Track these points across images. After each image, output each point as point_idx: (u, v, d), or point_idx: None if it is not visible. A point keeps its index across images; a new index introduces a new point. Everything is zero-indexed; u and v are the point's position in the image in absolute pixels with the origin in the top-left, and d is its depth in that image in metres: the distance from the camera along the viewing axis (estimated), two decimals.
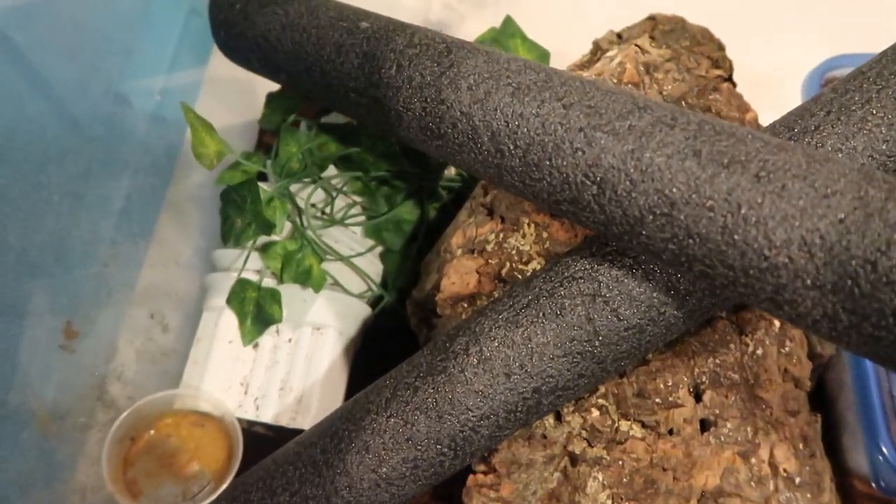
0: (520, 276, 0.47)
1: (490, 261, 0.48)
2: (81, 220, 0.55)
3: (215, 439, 0.51)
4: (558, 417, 0.47)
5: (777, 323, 0.48)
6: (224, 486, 0.48)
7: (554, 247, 0.46)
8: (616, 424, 0.45)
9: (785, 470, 0.45)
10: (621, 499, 0.44)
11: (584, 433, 0.46)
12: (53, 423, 0.43)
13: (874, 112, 0.35)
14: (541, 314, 0.39)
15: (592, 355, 0.39)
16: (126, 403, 0.49)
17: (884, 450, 0.48)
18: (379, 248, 0.58)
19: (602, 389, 0.46)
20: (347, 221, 0.56)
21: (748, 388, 0.47)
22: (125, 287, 0.54)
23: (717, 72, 0.54)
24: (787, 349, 0.48)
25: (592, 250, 0.40)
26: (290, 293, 0.54)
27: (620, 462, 0.45)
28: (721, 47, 0.56)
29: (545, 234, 0.46)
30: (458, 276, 0.48)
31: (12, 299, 0.40)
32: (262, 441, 0.54)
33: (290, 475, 0.43)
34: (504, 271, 0.47)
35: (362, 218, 0.57)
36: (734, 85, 0.56)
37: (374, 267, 0.58)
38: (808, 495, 0.46)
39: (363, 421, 0.42)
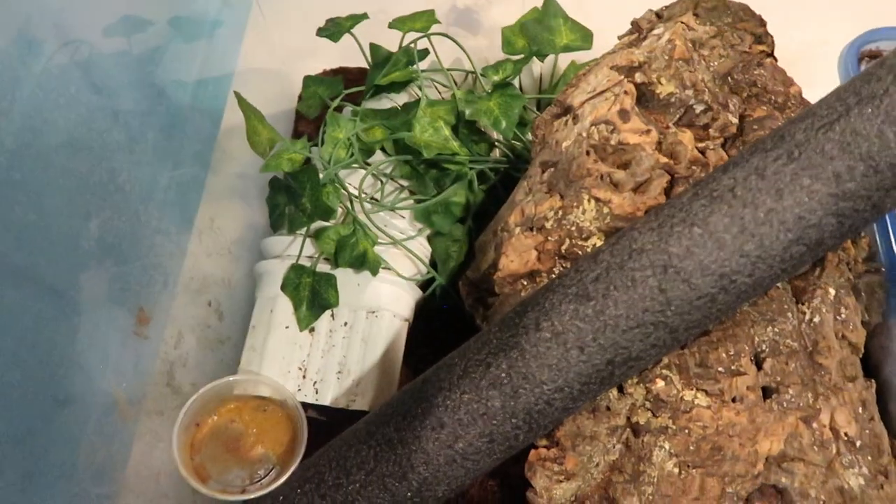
0: (580, 253, 0.47)
1: (549, 238, 0.48)
2: (126, 211, 0.56)
3: (278, 423, 0.52)
4: (621, 389, 0.48)
5: (832, 291, 0.49)
6: (292, 469, 0.49)
7: (615, 222, 0.46)
8: (680, 394, 0.46)
9: (846, 434, 0.46)
10: (688, 466, 0.45)
11: (647, 404, 0.47)
12: (132, 408, 0.44)
13: None
14: (611, 287, 0.40)
15: (665, 325, 0.40)
16: (190, 390, 0.50)
17: None
18: (427, 231, 0.59)
19: (665, 360, 0.46)
20: (398, 206, 0.56)
21: (807, 355, 0.47)
22: (179, 276, 0.54)
23: (761, 47, 0.55)
24: (843, 316, 0.49)
25: (658, 223, 0.40)
26: (344, 278, 0.55)
27: (687, 430, 0.45)
28: (762, 23, 0.56)
29: (606, 210, 0.46)
30: (516, 254, 0.49)
31: (86, 289, 0.41)
32: (316, 425, 0.55)
33: (365, 454, 0.44)
34: (564, 248, 0.48)
35: (411, 202, 0.57)
36: (776, 60, 0.57)
37: (423, 250, 0.59)
38: (869, 458, 0.46)
39: (436, 398, 0.43)
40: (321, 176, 0.54)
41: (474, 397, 0.42)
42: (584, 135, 0.47)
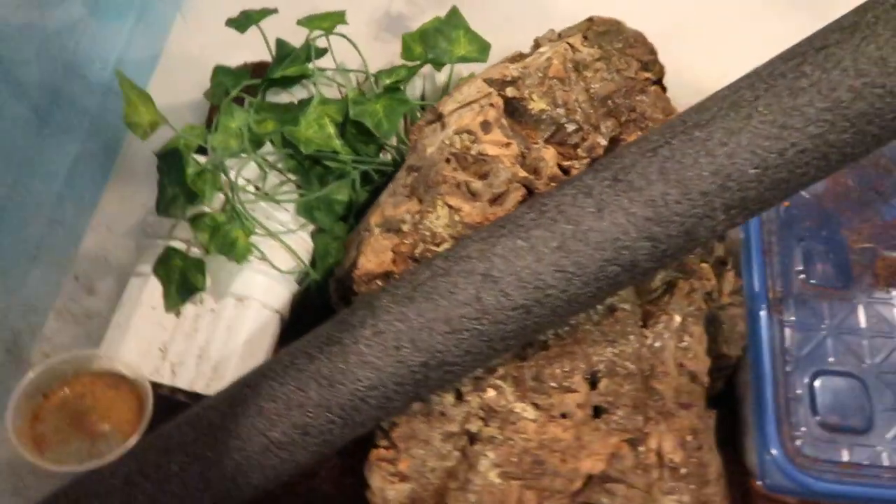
0: (431, 257, 0.48)
1: (405, 240, 0.49)
2: (22, 184, 0.56)
3: (128, 401, 0.52)
4: (459, 396, 0.48)
5: (678, 318, 0.50)
6: (127, 446, 0.49)
7: (466, 230, 0.47)
8: (511, 405, 0.47)
9: (671, 460, 0.47)
10: (509, 477, 0.46)
11: (481, 412, 0.48)
12: None
13: (760, 109, 0.37)
14: (434, 292, 0.41)
15: (480, 332, 0.40)
16: (40, 360, 0.50)
17: (772, 450, 0.50)
18: (311, 227, 0.59)
19: (501, 371, 0.47)
20: (280, 198, 0.57)
21: (643, 378, 0.48)
22: (53, 249, 0.54)
23: (647, 74, 0.56)
24: (684, 343, 0.49)
25: (489, 233, 0.41)
26: (217, 264, 0.55)
27: (511, 441, 0.46)
28: (653, 52, 0.57)
29: (457, 217, 0.47)
30: (374, 254, 0.50)
31: None
32: (182, 409, 0.55)
33: (188, 436, 0.44)
34: (418, 252, 0.49)
35: (295, 196, 0.58)
36: (664, 89, 0.58)
37: (306, 245, 0.60)
38: (692, 486, 0.47)
39: (260, 386, 0.43)
40: (203, 162, 0.54)
41: (294, 388, 0.42)
42: (447, 142, 0.48)
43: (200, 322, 0.55)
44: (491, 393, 0.47)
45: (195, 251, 0.55)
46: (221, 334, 0.55)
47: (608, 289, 0.40)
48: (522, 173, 0.48)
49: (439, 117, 0.51)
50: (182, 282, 0.54)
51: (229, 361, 0.54)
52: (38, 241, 0.57)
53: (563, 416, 0.47)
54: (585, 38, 0.55)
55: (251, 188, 0.57)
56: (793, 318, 0.56)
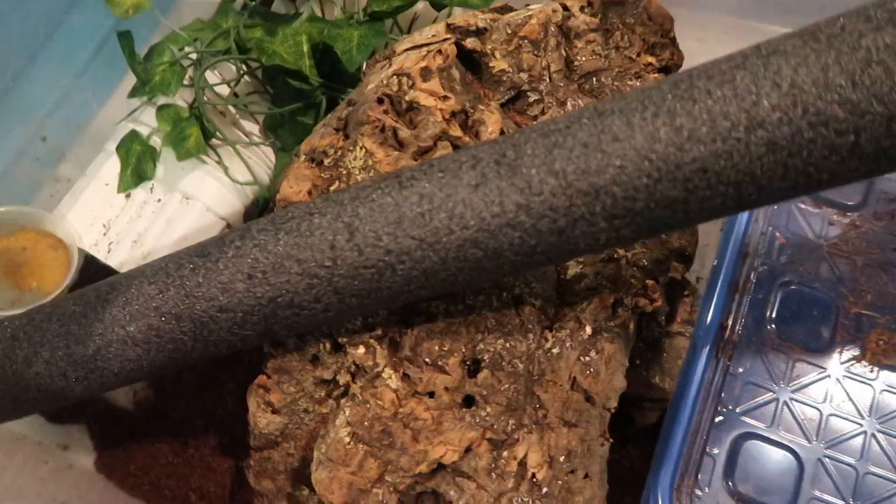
0: None
1: (323, 174, 0.47)
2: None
3: (61, 266, 0.55)
4: (337, 347, 0.46)
5: (589, 329, 0.45)
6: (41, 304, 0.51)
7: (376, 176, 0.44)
8: (379, 369, 0.44)
9: (534, 475, 0.43)
10: (357, 439, 0.44)
11: (352, 367, 0.46)
12: None
13: (671, 108, 0.31)
14: (297, 229, 0.39)
15: (329, 283, 0.38)
16: None
17: (659, 502, 0.45)
18: (277, 146, 0.58)
19: (379, 331, 0.45)
20: (247, 107, 0.56)
21: (529, 381, 0.44)
22: (23, 106, 0.56)
23: (650, 59, 0.50)
24: (587, 358, 0.44)
25: (372, 182, 0.38)
26: (174, 158, 0.56)
27: (367, 405, 0.44)
28: (667, 36, 0.50)
29: (370, 162, 0.44)
30: (295, 181, 0.48)
31: None
32: None
33: (67, 309, 0.46)
34: (332, 188, 0.46)
35: (264, 109, 0.57)
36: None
37: (268, 160, 0.59)
38: None
39: (134, 280, 0.44)
40: (177, 52, 0.54)
41: (155, 290, 0.42)
42: (385, 81, 0.45)
43: (145, 209, 0.56)
44: (361, 350, 0.44)
45: (156, 140, 0.56)
46: (160, 225, 0.56)
47: (471, 273, 0.36)
48: (455, 132, 0.44)
49: (392, 53, 0.47)
50: (136, 166, 0.56)
51: (159, 252, 0.55)
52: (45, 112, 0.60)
53: (430, 395, 0.44)
54: (590, 3, 0.49)
55: (224, 91, 0.56)
56: (741, 370, 0.49)
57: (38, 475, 0.56)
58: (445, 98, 0.44)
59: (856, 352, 0.49)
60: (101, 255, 0.55)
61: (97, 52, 0.63)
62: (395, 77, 0.45)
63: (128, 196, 0.57)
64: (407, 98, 0.44)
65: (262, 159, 0.59)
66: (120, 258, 0.55)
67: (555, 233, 0.34)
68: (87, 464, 0.59)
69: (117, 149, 0.56)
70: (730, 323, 0.50)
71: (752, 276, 0.51)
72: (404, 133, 0.45)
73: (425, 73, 0.44)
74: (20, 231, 0.55)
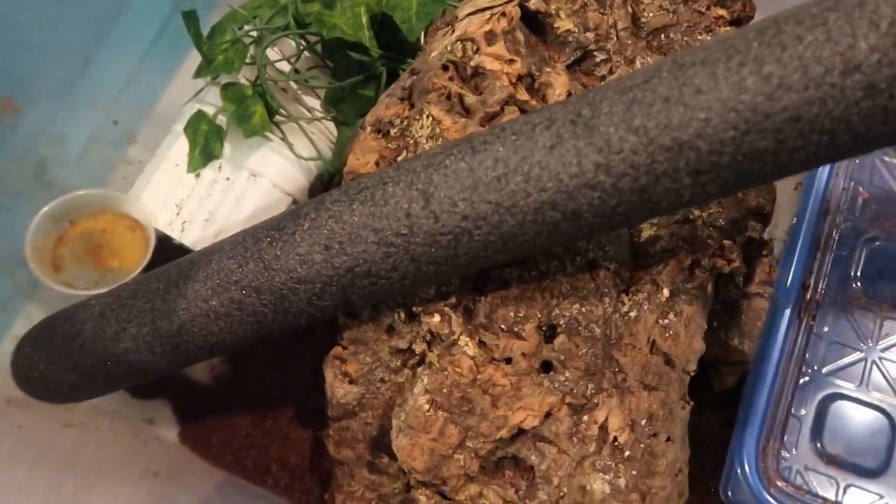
0: None
1: (390, 145, 0.47)
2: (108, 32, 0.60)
3: (140, 245, 0.57)
4: (412, 316, 0.47)
5: (666, 292, 0.44)
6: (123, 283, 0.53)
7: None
8: (455, 336, 0.44)
9: (616, 439, 0.43)
10: (437, 406, 0.44)
11: (428, 336, 0.46)
12: None
13: (757, 56, 0.30)
14: (372, 198, 0.39)
15: (406, 251, 0.38)
16: (67, 188, 0.55)
17: (745, 463, 0.44)
18: (339, 120, 0.59)
19: (453, 299, 0.45)
20: (309, 81, 0.57)
21: (607, 345, 0.44)
22: (82, 87, 0.57)
23: (721, 11, 0.48)
24: (666, 321, 0.44)
25: (442, 149, 0.38)
26: (240, 137, 0.57)
27: (446, 372, 0.44)
28: None
29: (438, 130, 0.44)
30: (361, 153, 0.48)
31: None
32: None
33: (151, 286, 0.47)
34: (400, 159, 0.46)
35: (325, 83, 0.57)
36: None
37: (330, 136, 0.59)
38: (633, 472, 0.43)
39: (213, 256, 0.45)
40: (239, 31, 0.55)
41: (235, 264, 0.43)
42: (448, 48, 0.44)
43: (215, 188, 0.57)
44: (436, 318, 0.45)
45: (221, 119, 0.57)
46: (230, 203, 0.57)
47: (549, 236, 0.36)
48: (522, 96, 0.43)
49: (454, 19, 0.47)
50: (204, 146, 0.57)
51: (230, 230, 0.56)
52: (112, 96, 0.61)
53: (507, 361, 0.44)
54: None
55: (286, 67, 0.57)
56: (826, 329, 0.47)
57: (128, 446, 0.58)
58: (511, 61, 0.43)
59: None
60: (175, 233, 0.57)
61: (159, 34, 0.64)
62: (458, 43, 0.44)
63: (197, 176, 0.58)
64: (472, 63, 0.44)
65: (325, 134, 0.59)
66: (193, 236, 0.57)
67: (636, 192, 0.33)
68: (171, 436, 0.61)
69: (185, 129, 0.58)
70: (812, 282, 0.48)
71: (834, 233, 0.49)
72: (470, 99, 0.44)
73: (490, 37, 0.43)
74: (99, 213, 0.57)
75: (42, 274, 0.53)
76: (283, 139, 0.57)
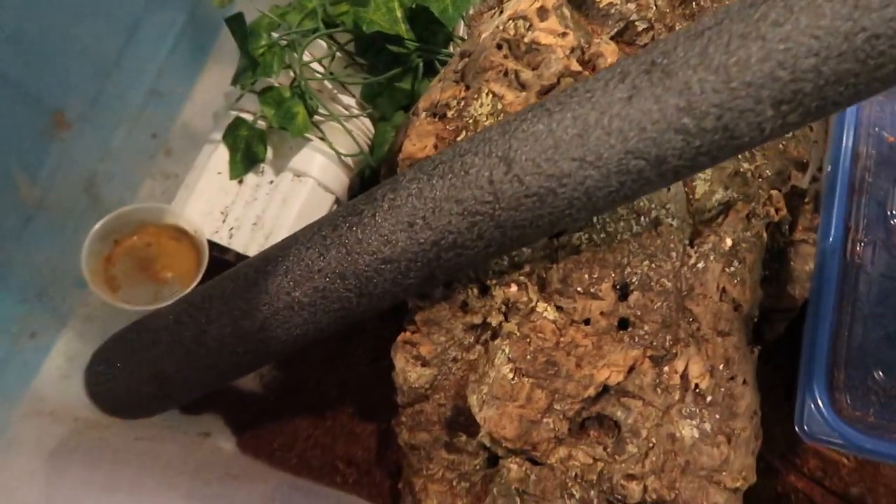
0: None
1: (448, 126, 0.48)
2: (124, 50, 0.60)
3: (188, 254, 0.57)
4: (484, 290, 0.48)
5: (729, 241, 0.46)
6: (186, 292, 0.53)
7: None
8: (533, 303, 0.46)
9: (697, 386, 0.44)
10: (522, 374, 0.45)
11: (503, 308, 0.47)
12: (34, 192, 0.49)
13: None
14: (451, 170, 0.40)
15: (492, 217, 0.39)
16: (114, 204, 0.55)
17: (817, 398, 0.46)
18: (375, 116, 0.60)
19: (527, 268, 0.46)
20: (345, 79, 0.58)
21: (679, 297, 0.45)
22: (123, 103, 0.58)
23: None
24: (732, 269, 0.46)
25: (516, 115, 0.40)
26: (281, 139, 0.58)
27: (528, 339, 0.45)
28: None
29: (499, 106, 0.45)
30: (418, 138, 0.49)
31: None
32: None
33: (227, 287, 0.47)
34: (459, 139, 0.48)
35: (360, 79, 0.58)
36: None
37: (368, 132, 0.60)
38: (717, 416, 0.44)
39: (289, 249, 0.45)
40: (274, 35, 0.56)
41: (315, 253, 0.44)
42: (500, 27, 0.46)
43: (259, 192, 0.58)
44: (513, 288, 0.46)
45: (261, 123, 0.57)
46: (276, 206, 0.57)
47: (633, 186, 0.38)
48: (576, 66, 0.45)
49: (500, 2, 0.49)
50: (246, 151, 0.57)
51: (280, 231, 0.57)
52: (138, 108, 0.62)
53: (586, 322, 0.45)
54: None
55: (319, 69, 0.58)
56: (872, 265, 0.50)
57: (189, 460, 0.58)
58: (564, 34, 0.45)
59: None
60: (222, 240, 0.57)
61: (174, 46, 0.65)
62: (510, 21, 0.46)
63: (240, 182, 0.58)
64: (526, 40, 0.46)
65: (362, 130, 0.60)
66: (242, 242, 0.57)
67: (719, 130, 0.35)
68: (229, 447, 0.61)
69: (224, 137, 0.58)
70: (854, 224, 0.51)
71: (867, 176, 0.52)
72: (526, 75, 0.46)
73: (542, 13, 0.45)
74: (141, 228, 0.57)
75: (107, 297, 0.53)
76: (323, 138, 0.58)
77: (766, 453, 0.54)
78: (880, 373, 0.47)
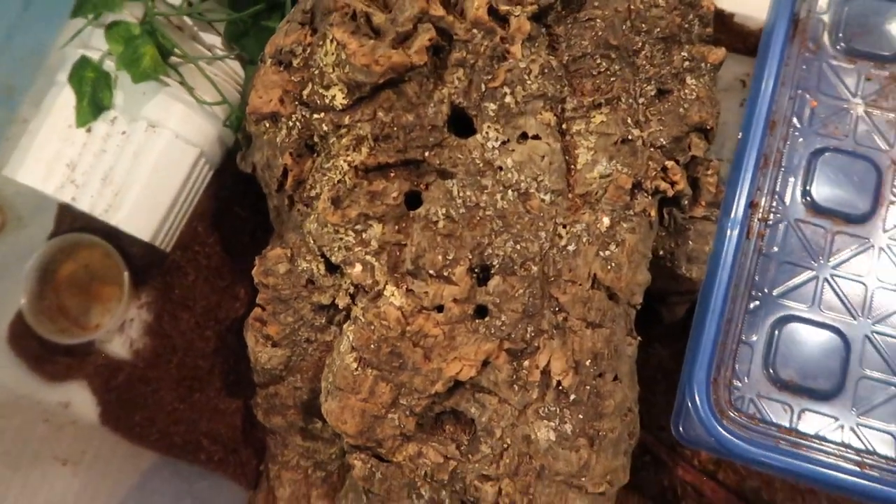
0: (319, 102, 0.41)
1: (294, 78, 0.42)
2: None
3: (115, 267, 0.56)
4: (330, 267, 0.42)
5: (606, 221, 0.40)
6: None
7: (354, 73, 0.39)
8: (380, 287, 0.40)
9: (559, 383, 0.40)
10: (365, 364, 0.40)
11: (351, 289, 0.42)
12: None
13: None
14: None
15: None
16: None
17: (695, 396, 0.41)
18: (245, 58, 0.53)
19: (376, 245, 0.40)
20: (202, 15, 0.50)
21: (545, 284, 0.40)
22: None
23: None
24: (607, 253, 0.40)
25: None
26: (131, 83, 0.51)
27: (372, 326, 0.40)
28: None
29: (343, 56, 0.39)
30: (263, 89, 0.43)
31: None
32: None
33: None
34: (306, 93, 0.41)
35: (222, 15, 0.51)
36: None
37: (236, 77, 0.53)
38: (580, 416, 0.40)
39: None
40: None
41: None
42: None
43: (110, 143, 0.51)
44: (357, 268, 0.40)
45: (109, 65, 0.50)
46: (128, 159, 0.51)
47: None
48: (437, 11, 0.38)
49: None
50: (92, 95, 0.50)
51: (131, 189, 0.51)
52: None
53: (438, 309, 0.40)
54: None
55: (175, 1, 0.51)
56: (776, 249, 0.45)
57: (38, 434, 0.54)
58: None
59: None
60: (66, 198, 0.51)
61: None
62: None
63: (88, 131, 0.51)
64: None
65: (230, 75, 0.53)
66: (88, 200, 0.51)
67: None
68: (91, 418, 0.57)
69: (69, 79, 0.51)
70: (761, 201, 0.45)
71: (782, 146, 0.46)
72: (378, 18, 0.39)
73: None
74: (73, 251, 0.57)
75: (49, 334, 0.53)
76: (182, 83, 0.51)
77: (655, 445, 0.50)
78: (771, 370, 0.43)
